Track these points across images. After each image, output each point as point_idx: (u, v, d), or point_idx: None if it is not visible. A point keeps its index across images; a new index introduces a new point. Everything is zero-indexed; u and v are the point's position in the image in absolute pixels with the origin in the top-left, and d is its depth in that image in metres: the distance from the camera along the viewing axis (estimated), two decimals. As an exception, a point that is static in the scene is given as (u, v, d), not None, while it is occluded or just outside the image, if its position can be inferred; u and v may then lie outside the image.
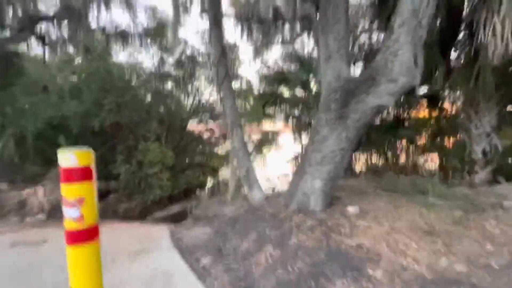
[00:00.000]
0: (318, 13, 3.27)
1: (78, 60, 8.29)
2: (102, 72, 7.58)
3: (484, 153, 4.79)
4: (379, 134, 5.59)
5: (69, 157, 1.56)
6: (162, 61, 10.05)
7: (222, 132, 14.72)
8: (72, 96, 7.41)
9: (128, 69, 8.77)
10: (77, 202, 1.58)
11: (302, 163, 3.57)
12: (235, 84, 12.50)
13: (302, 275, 2.39)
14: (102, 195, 7.63)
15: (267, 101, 5.77)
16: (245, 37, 6.18)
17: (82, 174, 1.59)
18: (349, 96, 2.93)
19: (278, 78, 6.30)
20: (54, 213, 6.00)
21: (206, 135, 14.88)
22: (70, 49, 8.32)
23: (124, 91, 7.88)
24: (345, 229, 2.99)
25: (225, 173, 15.89)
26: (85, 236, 1.62)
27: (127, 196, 7.90)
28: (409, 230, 2.89)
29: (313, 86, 6.39)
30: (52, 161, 8.09)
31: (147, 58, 9.70)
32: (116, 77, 7.87)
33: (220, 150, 14.62)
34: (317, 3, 3.20)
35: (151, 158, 7.99)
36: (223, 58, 4.42)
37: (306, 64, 6.23)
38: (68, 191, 1.58)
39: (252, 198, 4.25)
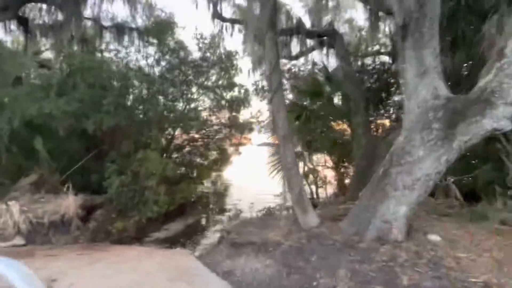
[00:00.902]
0: (404, 28, 3.04)
1: (69, 51, 7.09)
2: (100, 67, 6.55)
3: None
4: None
5: None
6: (160, 62, 9.16)
7: (205, 142, 14.06)
8: (60, 92, 6.23)
9: (128, 67, 7.76)
10: None
11: (378, 185, 3.24)
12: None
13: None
14: (88, 211, 6.40)
15: (299, 114, 5.40)
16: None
17: None
18: (457, 116, 2.72)
19: (310, 90, 6.00)
20: (35, 236, 4.80)
21: (192, 145, 14.09)
22: (57, 37, 7.10)
23: (125, 91, 6.89)
24: (449, 263, 2.67)
25: (207, 185, 15.10)
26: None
27: (118, 212, 6.75)
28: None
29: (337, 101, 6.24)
30: (23, 168, 6.64)
31: (143, 57, 8.73)
32: (116, 74, 6.86)
33: (205, 161, 13.89)
34: (407, 18, 2.96)
35: (150, 169, 7.01)
36: (277, 66, 3.98)
37: (333, 80, 6.05)
38: None
39: (305, 222, 3.76)
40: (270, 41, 3.93)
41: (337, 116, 6.28)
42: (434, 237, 3.18)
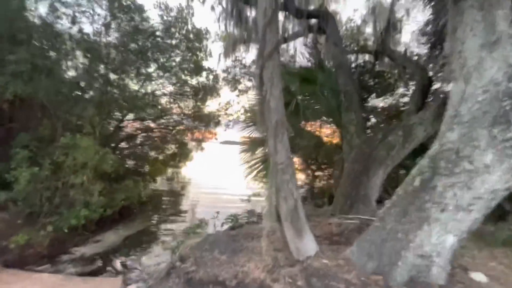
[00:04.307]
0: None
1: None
2: (15, 13, 4.61)
3: None
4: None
5: None
6: (109, 27, 7.23)
7: (162, 134, 12.22)
8: None
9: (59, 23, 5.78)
10: None
11: (413, 202, 2.23)
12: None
13: None
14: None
15: (288, 102, 4.25)
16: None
17: None
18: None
19: (302, 74, 4.86)
20: None
21: (146, 135, 12.13)
22: None
23: (46, 50, 4.99)
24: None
25: (160, 183, 13.13)
26: None
27: (26, 219, 4.83)
28: None
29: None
30: None
31: (89, 16, 6.75)
32: (40, 28, 4.93)
33: (160, 154, 12.07)
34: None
35: (79, 160, 5.20)
36: (275, 18, 2.76)
37: (324, 68, 5.06)
38: None
39: (298, 250, 2.61)
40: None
41: (327, 110, 5.29)
42: (478, 277, 2.25)
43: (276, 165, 2.67)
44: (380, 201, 4.47)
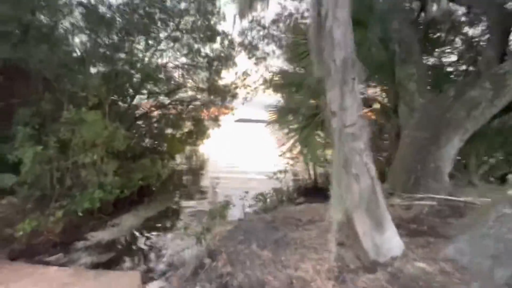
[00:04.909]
0: None
1: None
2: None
3: None
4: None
5: None
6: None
7: (177, 111, 11.43)
8: None
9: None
10: None
11: None
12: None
13: None
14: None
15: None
16: None
17: None
18: None
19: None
20: None
21: (158, 113, 11.41)
22: None
23: (39, 9, 4.21)
24: None
25: (179, 161, 12.68)
26: None
27: (36, 203, 4.36)
28: None
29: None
30: None
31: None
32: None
33: (177, 132, 11.45)
34: None
35: (87, 137, 4.59)
36: None
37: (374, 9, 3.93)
38: None
39: (378, 247, 1.81)
40: None
41: (374, 64, 4.20)
42: None
43: (343, 128, 1.80)
44: (452, 176, 3.55)
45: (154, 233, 4.63)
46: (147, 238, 4.44)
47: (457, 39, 5.89)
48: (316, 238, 2.38)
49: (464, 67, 5.69)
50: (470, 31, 5.76)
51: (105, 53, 6.33)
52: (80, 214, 4.56)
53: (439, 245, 1.95)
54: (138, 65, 7.45)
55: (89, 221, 4.72)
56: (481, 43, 5.50)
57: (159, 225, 4.95)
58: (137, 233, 4.66)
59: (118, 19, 6.30)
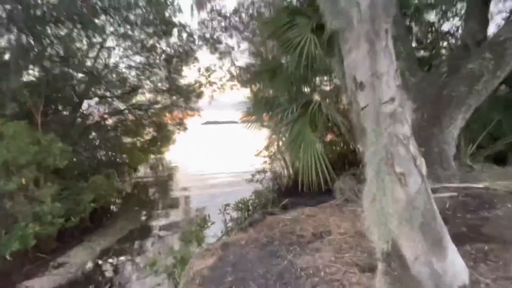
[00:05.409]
0: None
1: None
2: None
3: None
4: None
5: None
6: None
7: (135, 117, 10.16)
8: None
9: None
10: None
11: None
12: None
13: None
14: None
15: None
16: None
17: None
18: None
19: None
20: None
21: (117, 119, 10.05)
22: None
23: None
24: None
25: (144, 173, 11.38)
26: None
27: None
28: None
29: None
30: None
31: None
32: None
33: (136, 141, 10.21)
34: None
35: (6, 156, 3.45)
36: None
37: None
38: None
39: (436, 275, 1.25)
40: None
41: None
42: None
43: (380, 106, 1.19)
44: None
45: (111, 270, 3.65)
46: (103, 277, 3.46)
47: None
48: (334, 263, 1.76)
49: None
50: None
51: (34, 50, 5.09)
52: (8, 258, 3.44)
53: (503, 254, 1.45)
54: (77, 63, 6.24)
55: (22, 266, 3.60)
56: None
57: (120, 258, 3.94)
58: (90, 272, 3.65)
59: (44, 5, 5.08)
